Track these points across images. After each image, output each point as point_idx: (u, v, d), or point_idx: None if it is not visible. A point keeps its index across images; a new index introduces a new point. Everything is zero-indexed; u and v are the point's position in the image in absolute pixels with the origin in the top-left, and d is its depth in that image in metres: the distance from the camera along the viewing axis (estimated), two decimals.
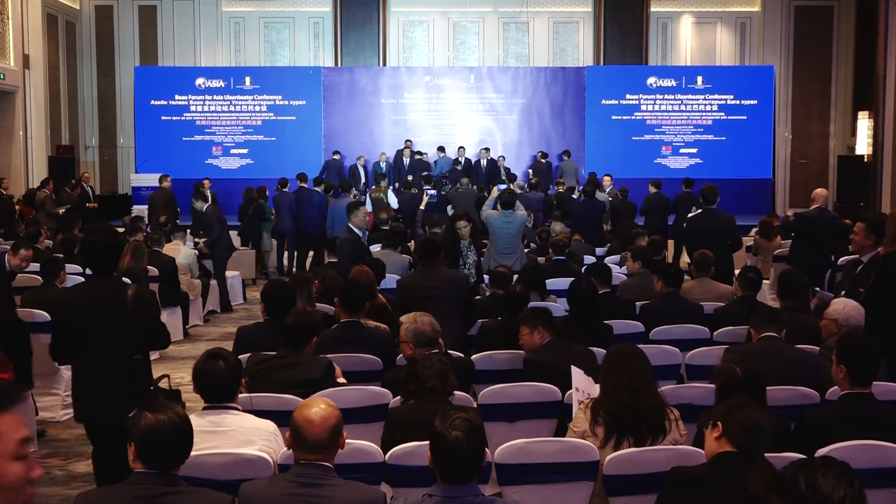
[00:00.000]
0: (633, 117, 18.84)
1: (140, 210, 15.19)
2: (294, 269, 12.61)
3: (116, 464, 3.19)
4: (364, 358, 4.84)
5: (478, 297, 6.96)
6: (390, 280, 7.03)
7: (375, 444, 3.58)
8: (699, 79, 18.80)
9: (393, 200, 13.67)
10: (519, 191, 12.85)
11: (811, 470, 1.94)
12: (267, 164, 18.13)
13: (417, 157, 17.53)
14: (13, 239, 9.99)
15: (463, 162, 17.42)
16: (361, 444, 3.49)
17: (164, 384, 4.03)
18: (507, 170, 16.99)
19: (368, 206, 12.53)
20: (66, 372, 6.27)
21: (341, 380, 4.43)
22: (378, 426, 3.88)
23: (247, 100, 18.83)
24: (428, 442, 2.81)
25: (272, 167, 17.37)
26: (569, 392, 4.24)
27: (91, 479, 4.84)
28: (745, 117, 18.71)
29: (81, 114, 19.52)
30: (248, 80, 18.85)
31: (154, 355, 7.23)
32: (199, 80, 18.80)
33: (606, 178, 14.89)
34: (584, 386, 4.08)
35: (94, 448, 4.40)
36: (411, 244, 9.47)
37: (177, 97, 18.77)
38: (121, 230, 10.25)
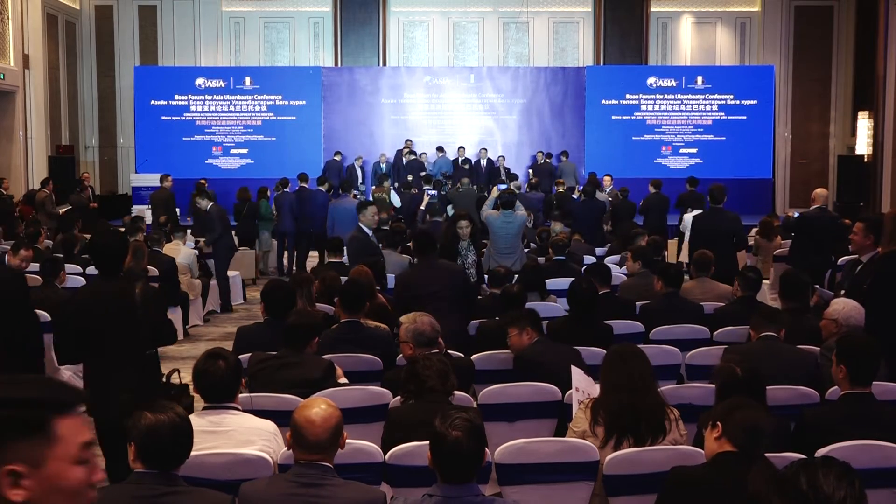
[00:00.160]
0: (633, 117, 18.84)
1: (140, 210, 15.21)
2: (294, 269, 12.60)
3: (123, 463, 3.23)
4: (364, 358, 4.84)
5: (479, 297, 6.95)
6: (391, 280, 7.03)
7: (375, 444, 3.57)
8: (699, 79, 18.80)
9: (396, 200, 13.69)
10: (517, 191, 12.84)
11: (812, 470, 1.94)
12: (267, 164, 18.13)
13: (412, 157, 17.51)
14: (13, 239, 10.00)
15: (467, 161, 17.43)
16: (361, 444, 3.49)
17: (174, 379, 4.10)
18: (507, 170, 16.99)
19: None
20: (65, 372, 6.26)
21: (343, 380, 4.43)
22: (378, 426, 3.88)
23: (247, 100, 18.83)
24: (428, 442, 2.81)
25: (272, 167, 17.37)
26: (569, 392, 4.24)
27: None
28: (745, 117, 18.71)
29: (81, 114, 19.52)
30: (248, 80, 18.85)
31: None
32: (199, 80, 18.80)
33: (607, 178, 14.89)
34: (584, 386, 4.08)
35: (100, 446, 4.41)
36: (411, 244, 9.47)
37: (177, 97, 18.77)
38: (121, 230, 10.24)
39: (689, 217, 11.28)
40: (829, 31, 19.19)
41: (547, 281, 7.04)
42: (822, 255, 8.10)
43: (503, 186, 13.58)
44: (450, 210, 12.78)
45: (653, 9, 19.47)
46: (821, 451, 3.24)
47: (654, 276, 6.43)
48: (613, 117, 18.78)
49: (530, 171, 17.61)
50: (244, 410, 3.53)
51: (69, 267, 8.12)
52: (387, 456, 3.48)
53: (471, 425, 2.76)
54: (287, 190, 13.34)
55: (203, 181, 13.87)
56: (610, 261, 8.79)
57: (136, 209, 15.66)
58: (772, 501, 1.96)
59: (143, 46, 19.63)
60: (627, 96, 18.78)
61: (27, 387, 1.43)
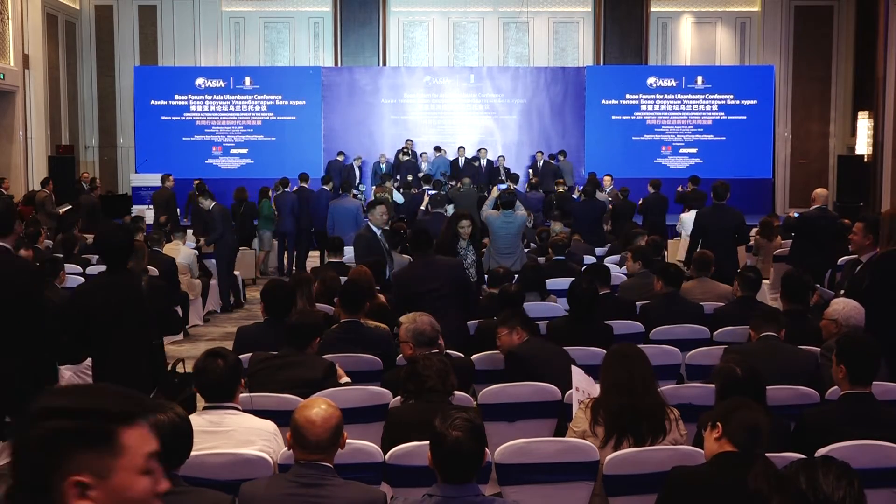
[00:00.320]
0: (633, 117, 18.84)
1: (140, 210, 15.24)
2: (294, 269, 12.60)
3: None
4: (364, 358, 4.84)
5: (480, 297, 6.94)
6: None
7: (375, 444, 3.57)
8: (699, 79, 18.80)
9: (399, 198, 13.70)
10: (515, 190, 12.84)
11: (812, 469, 1.94)
12: (267, 164, 18.12)
13: (406, 157, 17.50)
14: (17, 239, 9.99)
15: (476, 159, 17.46)
16: (361, 444, 3.48)
17: (179, 368, 4.22)
18: (507, 170, 16.98)
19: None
20: (65, 372, 6.26)
21: (345, 379, 4.43)
22: (378, 426, 3.88)
23: (247, 100, 18.83)
24: (428, 442, 2.81)
25: (272, 167, 17.36)
26: (569, 392, 4.24)
27: None
28: (745, 117, 18.71)
29: (81, 114, 19.52)
30: (248, 80, 18.85)
31: None
32: (199, 80, 18.80)
33: (607, 178, 14.89)
34: (584, 386, 4.08)
35: None
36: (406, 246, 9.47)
37: (177, 97, 18.77)
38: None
39: (686, 216, 11.30)
40: (829, 31, 19.19)
41: (547, 281, 7.04)
42: (822, 255, 8.10)
43: (503, 186, 13.58)
44: (450, 209, 12.77)
45: (653, 9, 19.47)
46: (821, 451, 3.23)
47: (654, 276, 6.43)
48: (613, 117, 18.78)
49: (530, 171, 17.61)
50: (244, 410, 3.53)
51: (69, 267, 8.12)
52: (387, 456, 3.48)
53: (471, 425, 2.76)
54: (287, 190, 13.34)
55: (197, 181, 13.93)
56: (610, 261, 8.79)
57: (136, 209, 15.68)
58: (772, 500, 1.96)
59: (143, 46, 19.63)
60: (627, 96, 18.78)
61: (92, 397, 1.42)
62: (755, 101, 18.65)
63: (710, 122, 18.84)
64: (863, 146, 17.77)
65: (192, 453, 2.85)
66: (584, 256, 9.11)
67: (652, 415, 3.61)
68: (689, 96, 18.81)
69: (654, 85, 18.79)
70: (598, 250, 10.16)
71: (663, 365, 4.94)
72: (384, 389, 4.28)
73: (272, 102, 18.81)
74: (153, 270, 8.42)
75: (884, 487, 3.37)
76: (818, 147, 19.45)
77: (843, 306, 4.67)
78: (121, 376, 4.28)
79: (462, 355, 4.95)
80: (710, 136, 18.82)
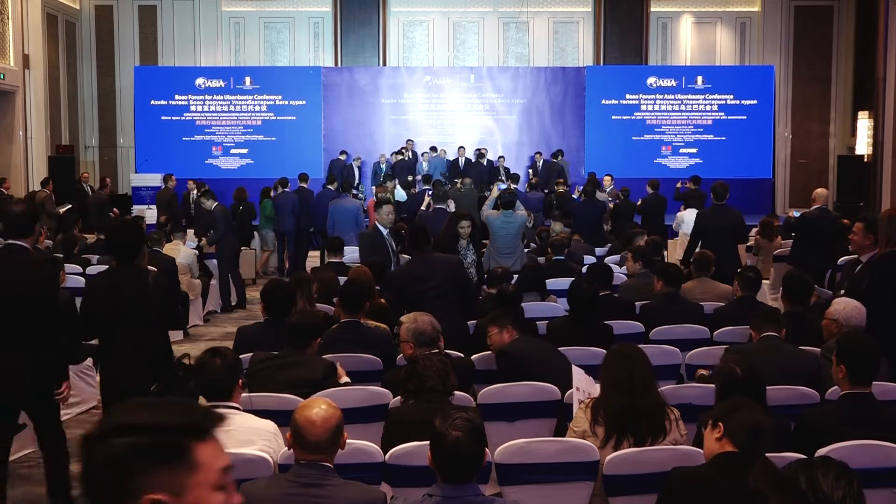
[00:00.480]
0: (633, 117, 18.84)
1: (140, 210, 15.25)
2: (293, 269, 12.60)
3: None
4: (364, 358, 4.84)
5: (480, 297, 6.94)
6: None
7: (375, 444, 3.57)
8: (699, 79, 18.80)
9: (401, 196, 13.70)
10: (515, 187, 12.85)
11: (811, 469, 1.94)
12: (267, 164, 18.12)
13: (400, 157, 17.50)
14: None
15: (482, 155, 17.49)
16: (361, 444, 3.48)
17: (186, 361, 4.30)
18: (507, 170, 16.98)
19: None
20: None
21: (345, 379, 4.43)
22: (378, 426, 3.88)
23: (247, 100, 18.83)
24: (428, 442, 2.81)
25: (272, 167, 17.36)
26: (569, 392, 4.24)
27: None
28: (745, 117, 18.71)
29: (81, 114, 19.52)
30: (248, 80, 18.85)
31: None
32: (199, 80, 18.80)
33: (607, 178, 14.90)
34: (584, 386, 4.08)
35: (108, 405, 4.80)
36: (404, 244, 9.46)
37: (177, 97, 18.77)
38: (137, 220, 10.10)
39: (683, 215, 11.29)
40: (829, 31, 19.20)
41: (547, 281, 7.04)
42: (823, 255, 8.10)
43: (503, 186, 13.58)
44: (451, 205, 12.76)
45: (653, 9, 19.47)
46: (821, 451, 3.23)
47: (654, 276, 6.43)
48: (613, 117, 18.78)
49: (530, 171, 17.61)
50: (244, 410, 3.53)
51: (69, 267, 8.12)
52: (387, 456, 3.48)
53: (471, 425, 2.76)
54: (287, 190, 13.34)
55: (192, 181, 14.03)
56: (610, 261, 8.79)
57: (136, 209, 15.68)
58: (771, 500, 1.96)
59: (143, 46, 19.63)
60: (627, 96, 18.78)
61: (164, 412, 1.39)
62: (755, 101, 18.65)
63: (710, 122, 18.84)
64: (863, 146, 17.77)
65: None
66: (584, 256, 9.11)
67: (652, 415, 3.61)
68: (689, 96, 18.81)
69: (654, 85, 18.79)
70: (598, 250, 10.16)
71: (663, 365, 4.94)
72: (384, 389, 4.28)
73: (272, 102, 18.81)
74: (153, 270, 8.43)
75: (884, 487, 3.37)
76: (818, 147, 19.45)
77: (844, 306, 4.67)
78: (125, 364, 4.58)
79: (462, 355, 4.95)
80: (710, 136, 18.82)
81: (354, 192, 14.61)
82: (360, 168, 17.81)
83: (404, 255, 8.38)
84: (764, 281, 7.44)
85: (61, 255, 8.70)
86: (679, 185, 14.55)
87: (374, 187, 15.54)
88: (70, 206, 14.24)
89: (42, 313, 4.46)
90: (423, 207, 12.44)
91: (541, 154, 17.92)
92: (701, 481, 2.98)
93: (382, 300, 5.91)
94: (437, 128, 18.87)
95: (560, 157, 17.69)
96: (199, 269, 10.22)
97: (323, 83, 18.72)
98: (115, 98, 19.67)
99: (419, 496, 2.79)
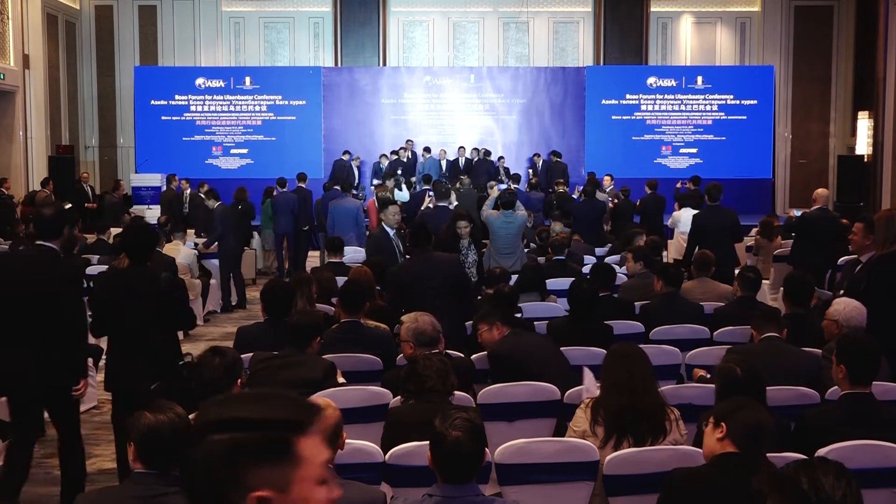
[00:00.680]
0: (633, 117, 18.84)
1: (140, 210, 15.25)
2: (293, 269, 12.59)
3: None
4: (364, 358, 4.84)
5: (479, 297, 6.93)
6: None
7: (375, 444, 3.57)
8: (699, 79, 18.80)
9: (403, 195, 13.69)
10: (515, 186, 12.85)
11: (811, 469, 1.94)
12: (267, 164, 18.12)
13: (394, 157, 17.49)
14: (13, 239, 9.99)
15: (489, 152, 17.50)
16: (361, 444, 3.48)
17: (189, 360, 4.43)
18: (507, 170, 16.98)
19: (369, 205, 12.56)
20: None
21: (341, 380, 4.42)
22: (378, 426, 3.88)
23: (247, 100, 18.83)
24: (428, 442, 2.81)
25: (272, 167, 17.35)
26: (568, 392, 4.24)
27: (91, 479, 4.98)
28: (745, 117, 18.71)
29: (81, 114, 19.52)
30: (248, 80, 18.85)
31: None
32: (199, 80, 18.80)
33: (606, 178, 14.90)
34: (594, 389, 4.06)
35: (117, 408, 4.92)
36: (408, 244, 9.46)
37: (177, 97, 18.77)
38: (119, 230, 10.16)
39: (679, 214, 11.28)
40: (829, 31, 19.19)
41: (547, 281, 7.03)
42: (823, 255, 8.10)
43: (503, 186, 13.58)
44: (454, 202, 12.77)
45: (653, 9, 19.47)
46: (821, 451, 3.23)
47: (654, 276, 6.43)
48: (613, 117, 18.78)
49: (530, 171, 17.61)
50: None
51: None
52: (387, 456, 3.48)
53: (471, 425, 2.75)
54: (286, 190, 13.32)
55: (185, 181, 14.09)
56: (610, 261, 8.79)
57: (136, 209, 15.67)
58: (771, 500, 1.96)
59: (143, 46, 19.63)
60: (627, 96, 18.78)
61: (265, 406, 1.35)
62: (755, 101, 18.65)
63: (710, 122, 18.84)
64: (863, 146, 17.77)
65: None
66: (584, 256, 9.11)
67: (652, 415, 3.61)
68: (689, 96, 18.81)
69: (654, 85, 18.79)
70: (598, 250, 10.17)
71: (663, 365, 4.94)
72: (384, 389, 4.28)
73: (272, 102, 18.81)
74: (165, 272, 8.45)
75: (883, 487, 3.36)
76: (818, 147, 19.45)
77: (845, 307, 4.66)
78: (130, 359, 4.71)
79: (462, 355, 4.95)
80: (710, 136, 18.82)
81: (354, 192, 14.60)
82: (359, 168, 17.81)
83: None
84: (764, 281, 7.44)
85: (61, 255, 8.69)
86: (679, 185, 14.56)
87: (373, 187, 15.53)
88: (70, 205, 14.24)
89: (68, 313, 4.58)
90: (422, 208, 12.43)
91: (539, 155, 17.93)
92: (701, 482, 2.98)
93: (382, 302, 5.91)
94: (437, 128, 18.87)
95: (560, 158, 17.69)
96: (198, 269, 10.22)
97: (323, 83, 18.72)
98: (115, 98, 19.67)
99: (419, 496, 2.79)
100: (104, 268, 7.11)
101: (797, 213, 12.45)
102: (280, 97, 18.78)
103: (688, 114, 18.85)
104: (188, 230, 11.78)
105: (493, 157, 17.70)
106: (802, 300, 5.33)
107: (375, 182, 16.54)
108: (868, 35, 17.67)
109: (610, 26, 19.50)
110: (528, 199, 12.34)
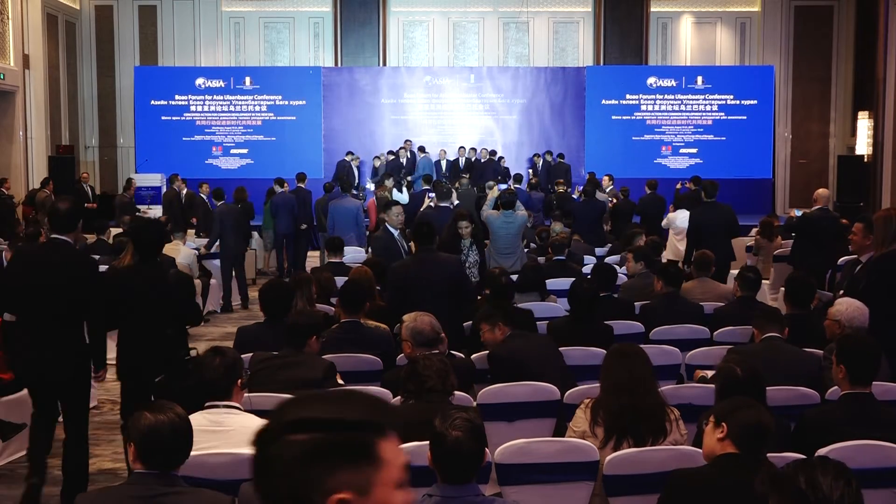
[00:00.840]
0: (633, 117, 18.84)
1: (143, 210, 15.25)
2: (292, 269, 12.59)
3: (144, 398, 4.46)
4: (364, 358, 4.83)
5: (479, 297, 6.92)
6: None
7: None
8: (699, 79, 18.80)
9: (402, 197, 13.68)
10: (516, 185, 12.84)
11: (810, 469, 1.94)
12: (267, 164, 18.11)
13: (391, 157, 17.48)
14: (13, 239, 9.99)
15: (493, 152, 17.52)
16: None
17: (196, 354, 4.63)
18: (507, 169, 16.98)
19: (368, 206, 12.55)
20: None
21: (339, 381, 4.42)
22: None
23: (247, 100, 18.83)
24: (428, 442, 2.81)
25: (272, 167, 17.32)
26: (568, 392, 4.24)
27: (91, 479, 4.97)
28: (745, 117, 18.71)
29: (81, 114, 19.52)
30: (248, 80, 18.85)
31: None
32: (199, 80, 18.80)
33: (606, 179, 14.89)
34: None
35: (127, 391, 5.06)
36: (412, 245, 9.45)
37: (177, 97, 18.77)
38: (120, 230, 10.24)
39: (675, 215, 11.28)
40: (829, 31, 19.19)
41: (547, 281, 7.03)
42: (823, 255, 8.11)
43: (503, 186, 13.57)
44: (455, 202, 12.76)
45: (653, 9, 19.47)
46: (821, 451, 3.23)
47: (655, 276, 6.43)
48: (613, 117, 18.78)
49: (530, 171, 17.61)
50: (244, 410, 3.53)
51: None
52: None
53: (471, 425, 2.75)
54: (285, 190, 13.32)
55: (181, 180, 14.15)
56: (610, 261, 8.80)
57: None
58: (771, 500, 1.96)
59: (143, 46, 19.63)
60: (627, 96, 18.78)
61: (345, 406, 1.32)
62: (755, 102, 18.65)
63: (710, 123, 18.84)
64: (863, 146, 17.77)
65: (193, 453, 2.85)
66: (584, 256, 9.11)
67: (652, 415, 3.61)
68: (689, 96, 18.81)
69: (654, 85, 18.79)
70: (599, 250, 10.17)
71: (663, 365, 4.94)
72: (384, 389, 4.27)
73: (272, 102, 18.81)
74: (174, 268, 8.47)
75: (883, 487, 3.36)
76: (818, 147, 19.45)
77: (847, 307, 4.66)
78: (140, 350, 4.88)
79: (462, 355, 4.95)
80: (710, 137, 18.82)
81: (354, 192, 14.60)
82: (358, 168, 17.80)
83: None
84: (764, 281, 7.44)
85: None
86: (679, 185, 14.55)
87: (373, 188, 15.53)
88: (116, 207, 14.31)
89: (83, 305, 4.70)
90: (422, 209, 12.43)
91: (539, 155, 17.93)
92: (702, 482, 2.98)
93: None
94: (437, 128, 18.88)
95: (563, 159, 17.70)
96: (199, 269, 10.22)
97: (323, 83, 18.72)
98: (115, 98, 19.67)
99: (419, 496, 2.79)
100: (104, 268, 7.10)
101: (797, 213, 12.45)
102: (280, 97, 18.78)
103: (688, 114, 18.85)
104: (188, 230, 11.80)
105: (494, 158, 17.70)
106: (803, 301, 5.33)
107: (371, 182, 16.56)
108: (868, 35, 17.67)
109: (610, 26, 19.50)
110: (528, 199, 12.33)
